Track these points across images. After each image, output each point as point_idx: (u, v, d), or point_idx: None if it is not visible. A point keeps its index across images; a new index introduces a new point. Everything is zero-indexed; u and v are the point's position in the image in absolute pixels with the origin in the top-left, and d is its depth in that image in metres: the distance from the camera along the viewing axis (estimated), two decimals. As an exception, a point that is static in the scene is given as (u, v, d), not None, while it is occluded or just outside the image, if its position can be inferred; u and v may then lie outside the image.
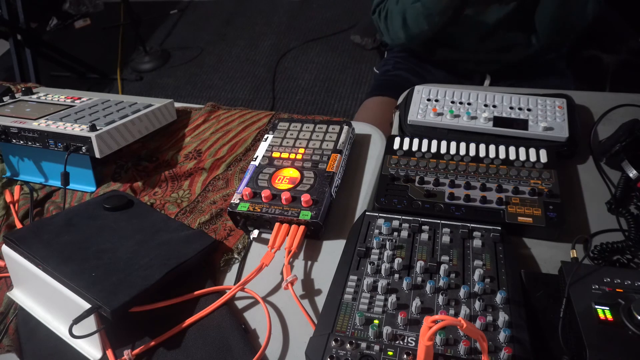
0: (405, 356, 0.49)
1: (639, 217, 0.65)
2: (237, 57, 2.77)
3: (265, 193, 0.69)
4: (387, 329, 0.51)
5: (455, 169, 0.72)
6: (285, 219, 0.67)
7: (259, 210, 0.68)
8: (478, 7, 1.06)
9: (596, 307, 0.51)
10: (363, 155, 0.82)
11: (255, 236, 0.70)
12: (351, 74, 2.46)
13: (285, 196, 0.68)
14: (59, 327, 0.61)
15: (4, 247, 0.65)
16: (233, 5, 3.24)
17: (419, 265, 0.58)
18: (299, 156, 0.76)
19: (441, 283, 0.56)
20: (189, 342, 0.58)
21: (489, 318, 0.52)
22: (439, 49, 1.19)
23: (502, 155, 0.73)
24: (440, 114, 0.82)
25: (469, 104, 0.83)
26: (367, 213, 0.67)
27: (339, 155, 0.75)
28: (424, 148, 0.76)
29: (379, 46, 1.51)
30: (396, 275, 0.58)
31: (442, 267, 0.58)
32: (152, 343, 0.58)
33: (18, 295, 0.66)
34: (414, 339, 0.51)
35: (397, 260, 0.59)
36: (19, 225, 0.79)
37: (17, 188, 0.86)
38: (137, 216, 0.73)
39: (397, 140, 0.78)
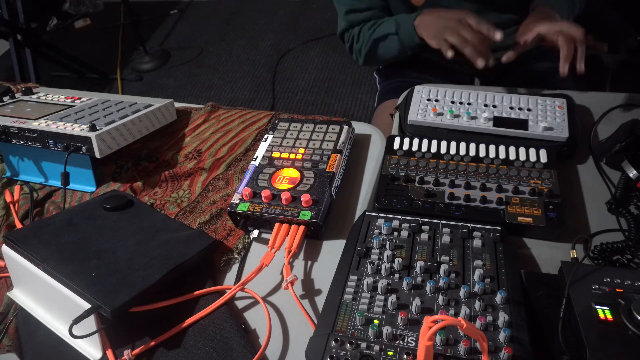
0: (405, 356, 0.49)
1: (639, 217, 0.65)
2: (237, 57, 2.77)
3: (265, 193, 0.69)
4: (387, 329, 0.51)
5: (455, 169, 0.72)
6: (285, 219, 0.67)
7: (259, 210, 0.68)
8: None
9: (596, 307, 0.51)
10: (363, 155, 0.82)
11: (255, 236, 0.70)
12: (351, 74, 2.46)
13: (285, 196, 0.68)
14: (59, 327, 0.61)
15: (4, 247, 0.65)
16: (233, 5, 3.24)
17: (419, 265, 0.58)
18: (299, 156, 0.76)
19: (441, 283, 0.56)
20: (189, 342, 0.58)
21: (489, 318, 0.52)
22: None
23: (502, 155, 0.73)
24: (440, 114, 0.82)
25: (469, 104, 0.83)
26: (367, 213, 0.67)
27: (339, 155, 0.75)
28: (424, 148, 0.76)
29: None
30: (396, 275, 0.58)
31: (442, 267, 0.58)
32: (152, 343, 0.58)
33: (18, 295, 0.66)
34: (414, 339, 0.51)
35: (397, 260, 0.59)
36: (19, 225, 0.79)
37: (17, 188, 0.86)
38: (137, 216, 0.73)
39: (397, 140, 0.78)
